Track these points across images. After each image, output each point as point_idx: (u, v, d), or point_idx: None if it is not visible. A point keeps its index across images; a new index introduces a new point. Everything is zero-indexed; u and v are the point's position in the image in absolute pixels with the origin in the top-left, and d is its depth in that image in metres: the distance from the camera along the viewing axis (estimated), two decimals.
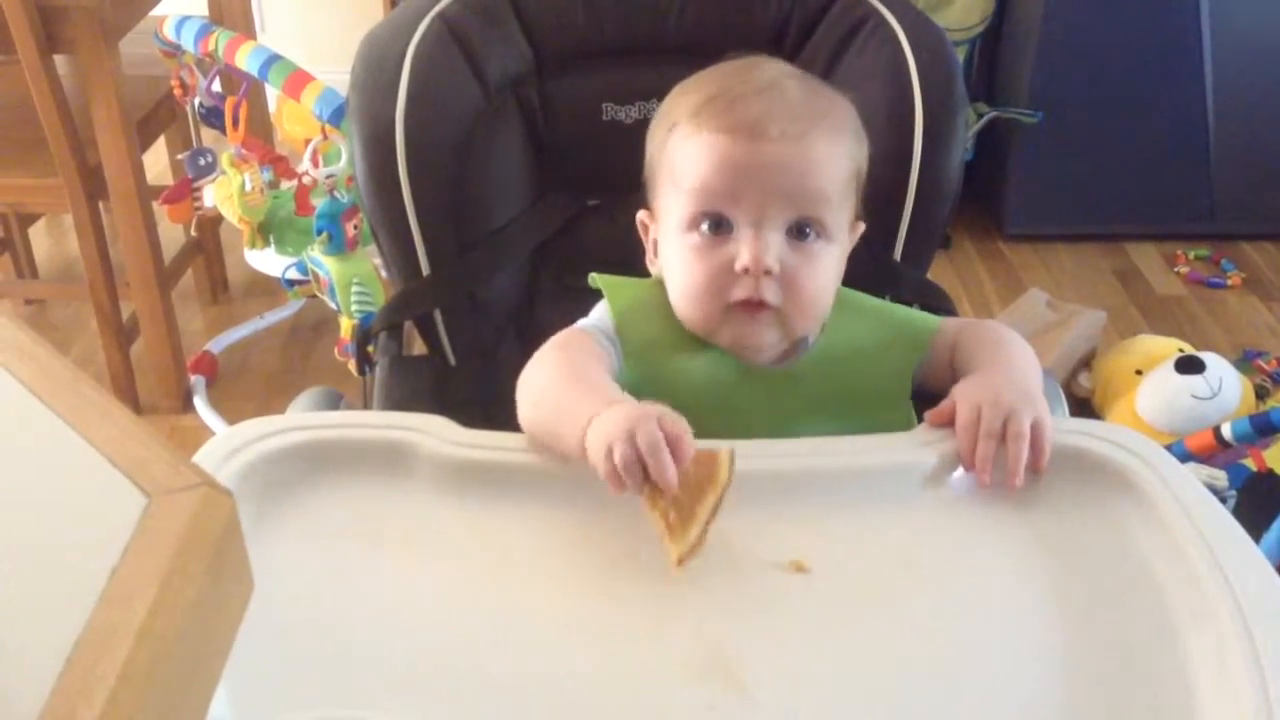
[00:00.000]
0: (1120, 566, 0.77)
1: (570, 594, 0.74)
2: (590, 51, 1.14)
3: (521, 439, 0.84)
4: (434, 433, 0.82)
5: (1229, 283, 2.71)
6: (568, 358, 0.90)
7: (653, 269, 0.99)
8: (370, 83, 1.07)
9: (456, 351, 1.12)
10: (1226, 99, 2.70)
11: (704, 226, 0.90)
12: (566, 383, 0.86)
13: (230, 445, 0.79)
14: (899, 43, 1.08)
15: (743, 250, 0.88)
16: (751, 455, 0.82)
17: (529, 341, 1.11)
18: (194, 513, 0.39)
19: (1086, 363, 2.32)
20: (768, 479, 0.81)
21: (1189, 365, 2.11)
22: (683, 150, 0.92)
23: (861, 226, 0.99)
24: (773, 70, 0.94)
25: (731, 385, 0.92)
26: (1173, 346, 2.23)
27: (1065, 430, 0.85)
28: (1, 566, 0.39)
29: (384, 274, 1.82)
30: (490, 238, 1.11)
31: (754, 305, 0.89)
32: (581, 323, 0.96)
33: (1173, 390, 2.10)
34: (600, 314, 0.97)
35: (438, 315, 1.11)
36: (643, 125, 1.10)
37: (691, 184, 0.90)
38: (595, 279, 0.98)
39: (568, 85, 1.14)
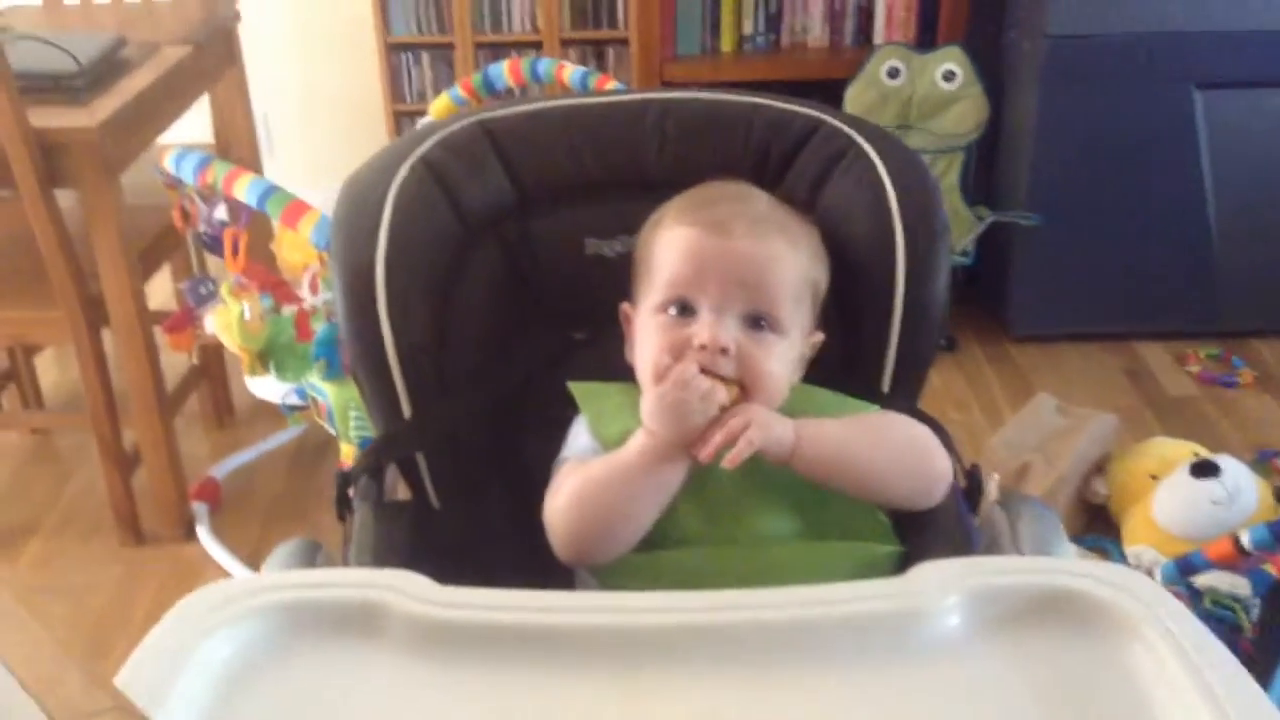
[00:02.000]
0: (1120, 708, 0.73)
1: None
2: (572, 187, 1.13)
3: (504, 595, 0.81)
4: (407, 591, 0.79)
5: (1241, 381, 2.68)
6: (579, 469, 0.99)
7: (630, 359, 1.06)
8: (352, 224, 1.06)
9: (440, 494, 1.10)
10: (1227, 194, 2.71)
11: (672, 310, 1.00)
12: (594, 468, 0.97)
13: (198, 609, 0.77)
14: (878, 174, 1.08)
15: (702, 330, 0.98)
16: (732, 607, 0.79)
17: (516, 480, 1.10)
18: None
19: (1100, 468, 2.28)
20: (751, 632, 0.78)
21: (1204, 469, 2.07)
22: (661, 241, 1.03)
23: (819, 337, 1.06)
24: (748, 188, 1.07)
25: (696, 469, 0.96)
26: (1187, 449, 2.20)
27: (1062, 572, 0.82)
28: None
29: None
30: (474, 376, 1.10)
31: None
32: (565, 454, 1.03)
33: (1189, 496, 2.07)
34: (577, 431, 1.05)
35: (420, 457, 1.09)
36: (626, 259, 1.10)
37: (664, 275, 1.01)
38: (573, 387, 1.06)
39: (550, 221, 1.13)
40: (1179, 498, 2.08)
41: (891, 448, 1.00)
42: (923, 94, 2.77)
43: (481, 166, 1.11)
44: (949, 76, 2.78)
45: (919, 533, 1.00)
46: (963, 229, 2.79)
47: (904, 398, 1.09)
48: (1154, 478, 2.15)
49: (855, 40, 2.98)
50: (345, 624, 0.78)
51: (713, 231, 0.99)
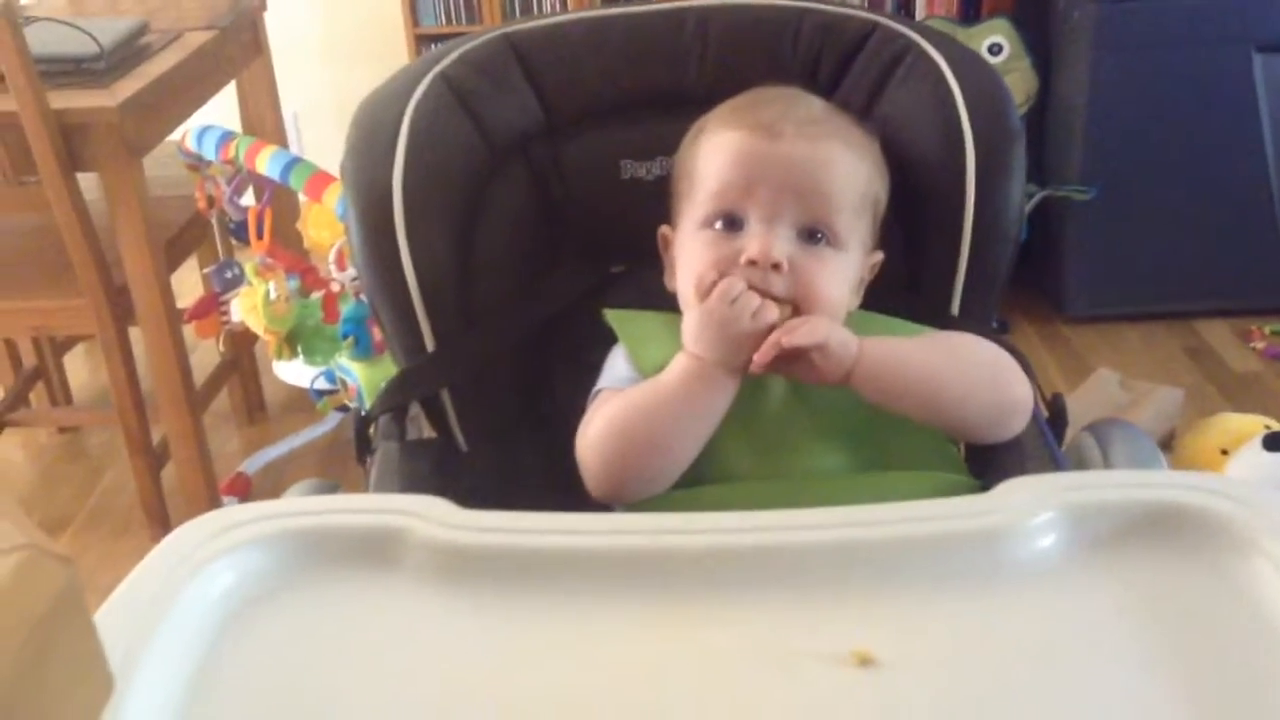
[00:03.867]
0: (1247, 636, 0.64)
1: (584, 701, 0.62)
2: (605, 106, 1.05)
3: (533, 518, 0.73)
4: (427, 515, 0.70)
5: None
6: (616, 397, 0.90)
7: (670, 285, 0.98)
8: (366, 145, 0.98)
9: (467, 435, 1.02)
10: None
11: (717, 224, 0.91)
12: (631, 395, 0.88)
13: (195, 538, 0.69)
14: (943, 75, 0.99)
15: (751, 243, 0.89)
16: (803, 526, 0.71)
17: (549, 421, 1.01)
18: (9, 578, 0.28)
19: (1166, 444, 2.18)
20: (822, 552, 0.69)
21: (1277, 442, 1.98)
22: (705, 149, 0.94)
23: (879, 257, 0.97)
24: (800, 90, 0.98)
25: (744, 400, 0.88)
26: (1258, 423, 2.11)
27: (1172, 484, 0.73)
28: None
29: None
30: (502, 309, 1.02)
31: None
32: (601, 384, 0.94)
33: (1264, 469, 1.97)
34: (614, 360, 0.96)
35: (445, 396, 1.01)
36: (665, 183, 1.02)
37: (708, 186, 0.92)
38: (609, 314, 0.97)
39: (583, 143, 1.05)
40: (1253, 471, 1.98)
41: (966, 367, 0.90)
42: None
43: (507, 83, 1.03)
44: (995, 50, 2.68)
45: (997, 466, 0.90)
46: None
47: (976, 322, 1.00)
48: (1224, 452, 2.06)
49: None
50: (360, 552, 0.70)
51: (761, 134, 0.90)
